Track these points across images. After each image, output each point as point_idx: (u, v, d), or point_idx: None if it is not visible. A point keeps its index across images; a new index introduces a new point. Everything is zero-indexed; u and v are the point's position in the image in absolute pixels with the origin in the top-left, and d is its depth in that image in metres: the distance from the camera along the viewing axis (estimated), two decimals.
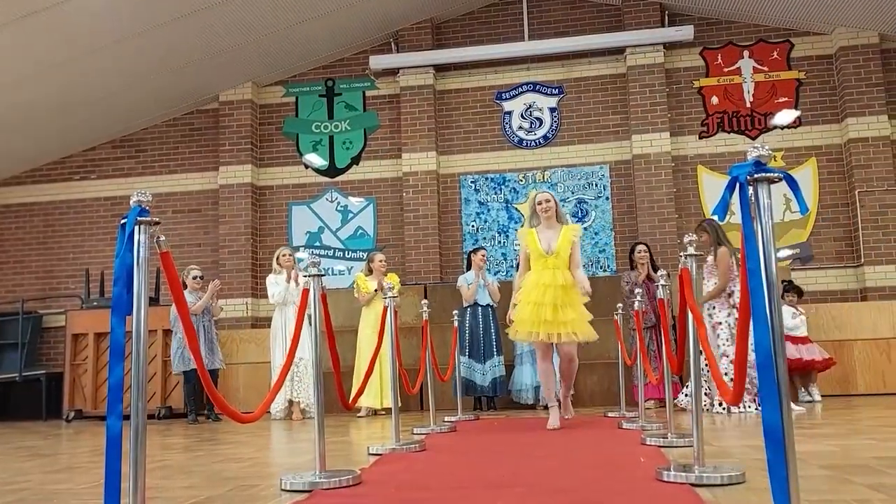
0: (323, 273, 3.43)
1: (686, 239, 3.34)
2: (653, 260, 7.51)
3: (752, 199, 1.97)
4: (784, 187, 8.42)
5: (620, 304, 6.69)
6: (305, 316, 3.75)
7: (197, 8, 8.16)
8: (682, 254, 3.34)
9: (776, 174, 1.97)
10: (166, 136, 10.35)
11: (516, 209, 9.71)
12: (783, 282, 7.32)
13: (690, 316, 3.07)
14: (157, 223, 2.21)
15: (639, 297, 5.34)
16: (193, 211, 10.13)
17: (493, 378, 7.32)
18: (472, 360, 7.33)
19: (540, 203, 5.28)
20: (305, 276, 3.51)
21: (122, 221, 2.18)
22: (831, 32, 9.32)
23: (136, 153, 10.35)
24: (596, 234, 9.56)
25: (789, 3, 9.02)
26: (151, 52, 8.72)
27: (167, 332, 8.28)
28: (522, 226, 6.84)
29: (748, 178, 1.97)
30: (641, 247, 7.51)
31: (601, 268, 9.44)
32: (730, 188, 2.03)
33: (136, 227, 2.18)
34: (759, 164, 1.96)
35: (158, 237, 2.25)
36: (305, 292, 3.34)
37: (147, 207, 2.20)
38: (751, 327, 1.98)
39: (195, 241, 10.04)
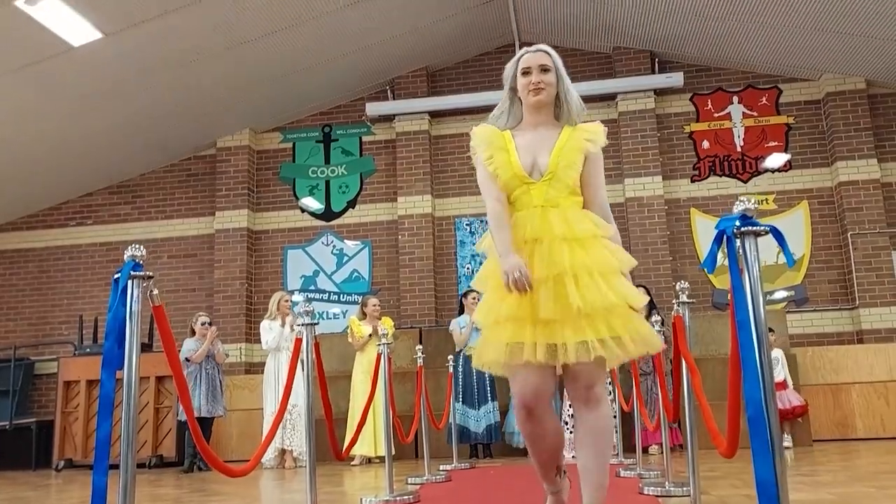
0: (316, 321, 3.43)
1: (678, 286, 3.37)
2: (653, 302, 7.52)
3: (740, 251, 2.00)
4: (778, 228, 8.46)
5: None
6: (298, 362, 3.73)
7: (195, 57, 8.29)
8: (675, 301, 3.35)
9: (763, 227, 1.99)
10: (163, 181, 10.42)
11: None
12: None
13: (684, 364, 3.07)
14: (150, 277, 2.23)
15: None
16: (189, 256, 10.14)
17: (488, 424, 7.27)
18: (466, 407, 7.29)
19: (528, 71, 2.57)
20: (298, 326, 3.51)
21: (116, 276, 2.19)
22: (818, 78, 9.48)
23: (133, 199, 10.40)
24: None
25: (777, 51, 9.19)
26: (150, 100, 8.83)
27: (160, 380, 8.23)
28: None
29: (735, 230, 2.00)
30: (640, 290, 7.53)
31: None
32: (717, 241, 2.05)
33: (130, 282, 2.20)
34: (745, 218, 1.99)
35: (151, 291, 2.26)
36: (298, 341, 3.34)
37: (141, 262, 2.21)
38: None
39: (190, 286, 10.03)
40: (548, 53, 2.59)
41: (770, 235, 2.06)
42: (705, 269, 2.41)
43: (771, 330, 7.24)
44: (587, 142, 2.55)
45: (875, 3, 7.68)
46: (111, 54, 7.74)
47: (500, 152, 2.56)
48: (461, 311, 7.76)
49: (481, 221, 9.81)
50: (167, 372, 7.99)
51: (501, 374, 2.51)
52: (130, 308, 2.19)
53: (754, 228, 1.99)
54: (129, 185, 10.45)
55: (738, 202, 2.04)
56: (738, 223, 1.99)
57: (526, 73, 2.56)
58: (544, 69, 2.55)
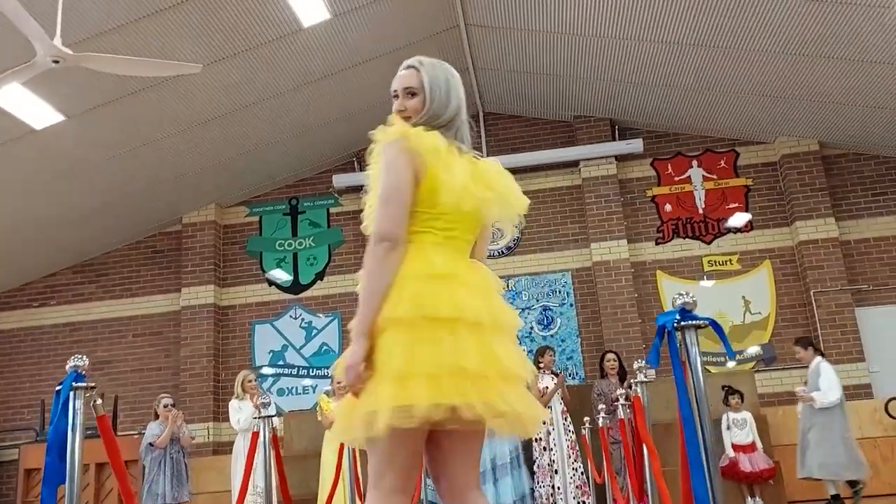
0: (273, 414, 3.38)
1: (636, 365, 3.38)
2: (623, 368, 7.51)
3: (681, 345, 2.02)
4: (742, 288, 8.54)
5: (587, 418, 6.64)
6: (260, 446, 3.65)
7: (159, 136, 8.35)
8: (633, 380, 3.37)
9: (703, 321, 2.02)
10: (128, 259, 10.33)
11: None
12: (723, 387, 7.35)
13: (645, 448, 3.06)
14: (93, 388, 2.19)
15: (602, 414, 5.31)
16: (155, 334, 9.98)
17: None
18: None
19: (396, 95, 2.19)
20: (255, 419, 3.45)
21: (57, 388, 2.15)
22: (774, 141, 9.76)
23: (97, 277, 10.28)
24: (563, 341, 9.58)
25: (732, 115, 9.48)
26: (114, 179, 8.84)
27: (126, 465, 7.99)
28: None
29: (675, 324, 2.03)
30: (611, 356, 7.55)
31: (570, 376, 9.41)
32: (659, 335, 2.08)
33: (72, 393, 2.16)
34: (684, 312, 2.02)
35: (95, 401, 2.23)
36: (255, 435, 3.29)
37: (83, 372, 2.18)
38: None
39: (156, 364, 9.85)
40: (417, 70, 2.15)
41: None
42: (650, 364, 2.38)
43: (738, 392, 7.30)
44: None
45: (825, 68, 7.98)
46: (74, 136, 7.76)
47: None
48: None
49: None
50: (132, 456, 7.78)
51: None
52: (73, 421, 2.15)
53: (694, 322, 2.02)
54: (93, 263, 10.34)
55: (676, 295, 2.08)
56: (677, 317, 2.03)
57: (395, 97, 2.17)
58: (410, 93, 2.14)
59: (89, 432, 7.39)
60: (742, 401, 7.25)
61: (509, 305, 2.06)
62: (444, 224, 2.02)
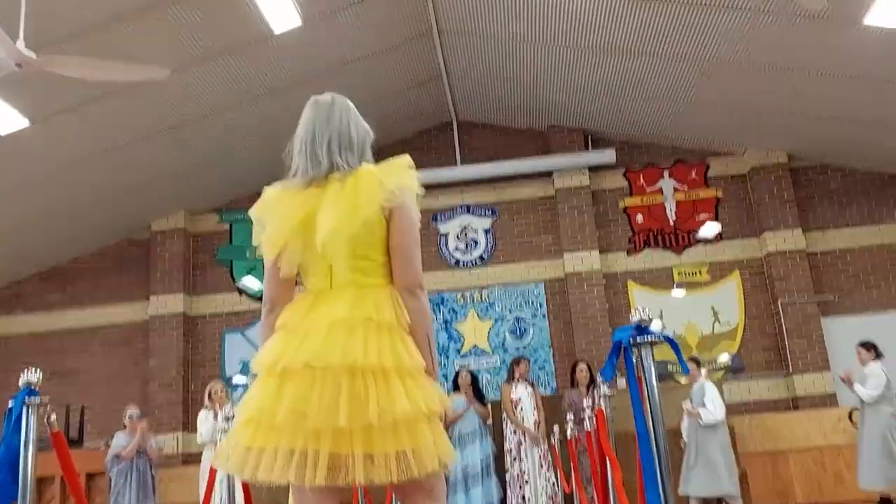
0: None
1: (599, 378, 3.39)
2: (593, 378, 7.54)
3: (637, 361, 2.04)
4: (712, 298, 8.58)
5: (557, 427, 6.65)
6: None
7: (127, 141, 8.25)
8: (597, 393, 3.38)
9: (658, 337, 2.04)
10: (96, 267, 10.19)
11: (456, 330, 9.74)
12: (691, 358, 7.45)
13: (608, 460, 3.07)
14: (46, 404, 2.16)
15: (571, 425, 5.33)
16: (123, 343, 9.85)
17: None
18: None
19: None
20: (222, 426, 3.42)
21: (9, 406, 2.11)
22: (743, 153, 9.89)
23: (64, 285, 10.12)
24: (535, 351, 9.61)
25: (703, 127, 9.60)
26: (81, 185, 8.72)
27: (90, 477, 7.87)
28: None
29: (631, 341, 2.04)
30: (582, 366, 7.58)
31: (542, 385, 9.43)
32: (615, 351, 2.09)
33: (24, 409, 2.12)
34: (640, 328, 2.04)
35: (49, 416, 2.19)
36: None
37: (36, 388, 2.15)
38: None
39: (124, 374, 9.71)
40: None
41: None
42: (604, 378, 2.38)
43: (698, 362, 7.40)
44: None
45: (794, 81, 8.12)
46: (40, 141, 7.65)
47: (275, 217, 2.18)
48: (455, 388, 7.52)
49: (430, 301, 9.78)
50: (99, 468, 7.66)
51: None
52: (26, 436, 2.11)
53: (650, 339, 2.04)
54: (59, 270, 10.19)
55: (634, 311, 2.10)
56: (633, 333, 2.04)
57: None
58: None
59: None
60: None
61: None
62: None
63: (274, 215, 2.03)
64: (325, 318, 1.93)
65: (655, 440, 1.95)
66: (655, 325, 2.01)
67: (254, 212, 2.08)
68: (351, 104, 2.19)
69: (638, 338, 2.02)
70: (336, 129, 2.09)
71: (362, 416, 1.81)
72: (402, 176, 2.01)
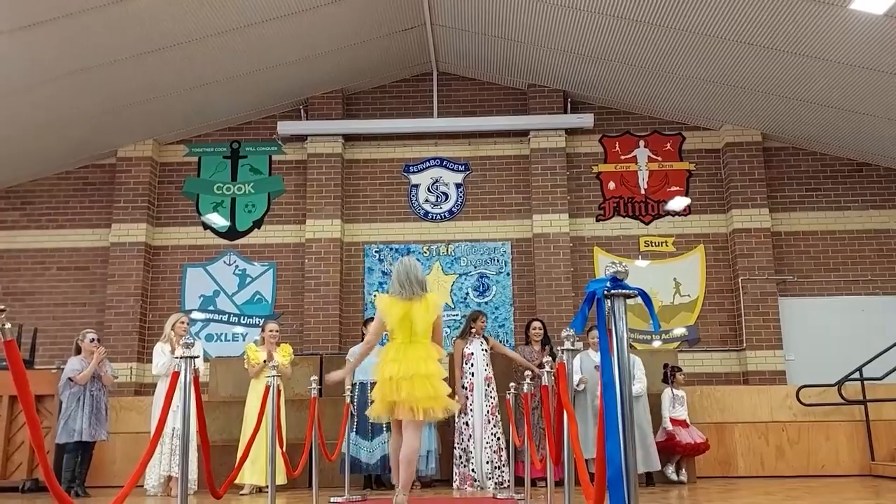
0: (197, 355, 3.31)
1: (564, 333, 3.40)
2: (547, 336, 7.63)
3: (609, 312, 2.04)
4: (675, 270, 8.69)
5: (513, 384, 6.72)
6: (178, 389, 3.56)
7: (97, 62, 7.97)
8: (559, 348, 3.39)
9: (633, 290, 2.04)
10: (57, 189, 9.93)
11: None
12: (666, 365, 7.58)
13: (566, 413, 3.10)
14: (2, 311, 2.09)
15: (528, 380, 5.39)
16: (81, 268, 9.66)
17: (382, 455, 7.14)
18: (359, 437, 7.15)
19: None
20: (177, 358, 3.37)
21: None
22: (719, 129, 9.95)
23: (23, 205, 9.86)
24: (497, 308, 9.68)
25: (682, 99, 9.60)
26: (47, 103, 8.42)
27: (39, 399, 7.76)
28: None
29: (605, 292, 2.04)
30: (537, 323, 7.63)
31: (501, 343, 9.50)
32: (588, 302, 2.09)
33: None
34: (615, 280, 2.04)
35: (3, 325, 2.12)
36: (175, 375, 3.21)
37: None
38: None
39: (80, 300, 9.55)
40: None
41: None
42: (574, 329, 2.44)
43: (680, 370, 7.55)
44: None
45: (773, 62, 8.13)
46: (6, 54, 7.35)
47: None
48: (364, 338, 7.59)
49: (390, 249, 9.77)
50: (49, 391, 7.56)
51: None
52: None
53: (623, 291, 2.03)
54: (18, 190, 9.91)
55: (609, 264, 2.09)
56: (608, 285, 2.04)
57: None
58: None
59: (3, 364, 7.15)
60: (684, 379, 7.56)
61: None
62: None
63: (391, 309, 4.63)
64: (414, 353, 4.54)
65: (620, 390, 1.96)
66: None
67: (380, 304, 4.75)
68: (418, 263, 4.85)
69: (613, 289, 2.01)
70: (414, 276, 4.68)
71: (413, 392, 4.45)
72: (440, 304, 4.77)
